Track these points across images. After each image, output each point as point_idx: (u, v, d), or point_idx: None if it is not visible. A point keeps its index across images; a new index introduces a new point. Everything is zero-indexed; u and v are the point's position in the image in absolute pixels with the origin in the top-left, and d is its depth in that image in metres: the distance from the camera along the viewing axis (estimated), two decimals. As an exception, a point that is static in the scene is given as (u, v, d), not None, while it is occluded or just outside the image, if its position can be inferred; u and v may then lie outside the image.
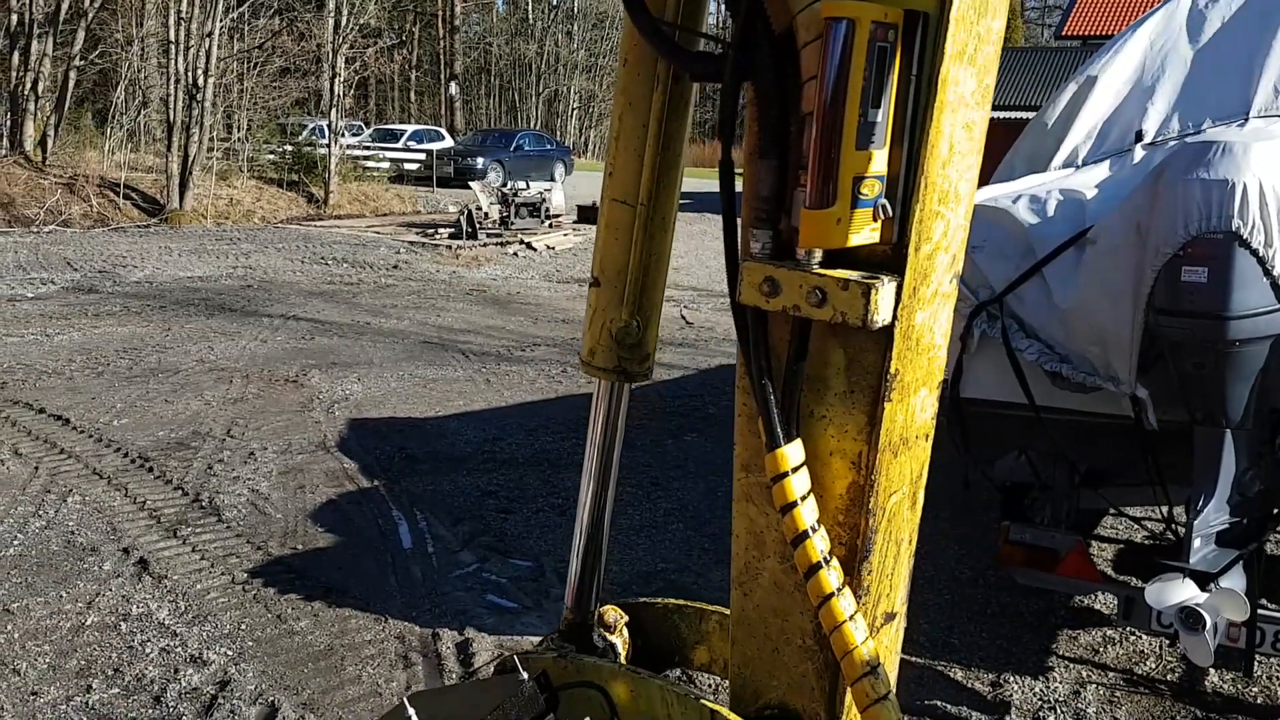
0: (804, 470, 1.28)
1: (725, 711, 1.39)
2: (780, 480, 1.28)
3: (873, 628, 1.32)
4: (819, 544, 1.26)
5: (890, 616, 1.38)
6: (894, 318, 1.21)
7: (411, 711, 1.41)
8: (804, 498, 1.27)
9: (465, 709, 1.40)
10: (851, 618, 1.25)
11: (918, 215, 1.19)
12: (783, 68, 1.21)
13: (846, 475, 1.30)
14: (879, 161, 1.16)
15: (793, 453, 1.28)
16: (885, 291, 1.19)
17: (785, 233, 1.26)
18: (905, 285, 1.21)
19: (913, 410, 1.30)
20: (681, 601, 1.73)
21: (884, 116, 1.15)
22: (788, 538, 1.28)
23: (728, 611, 1.50)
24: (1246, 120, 4.25)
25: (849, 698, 1.31)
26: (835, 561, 1.27)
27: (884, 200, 1.17)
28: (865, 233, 1.18)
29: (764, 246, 1.26)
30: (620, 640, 1.69)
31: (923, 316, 1.26)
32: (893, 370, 1.24)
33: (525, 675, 1.45)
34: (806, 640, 1.35)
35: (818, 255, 1.22)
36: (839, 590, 1.25)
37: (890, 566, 1.35)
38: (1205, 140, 3.69)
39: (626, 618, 1.71)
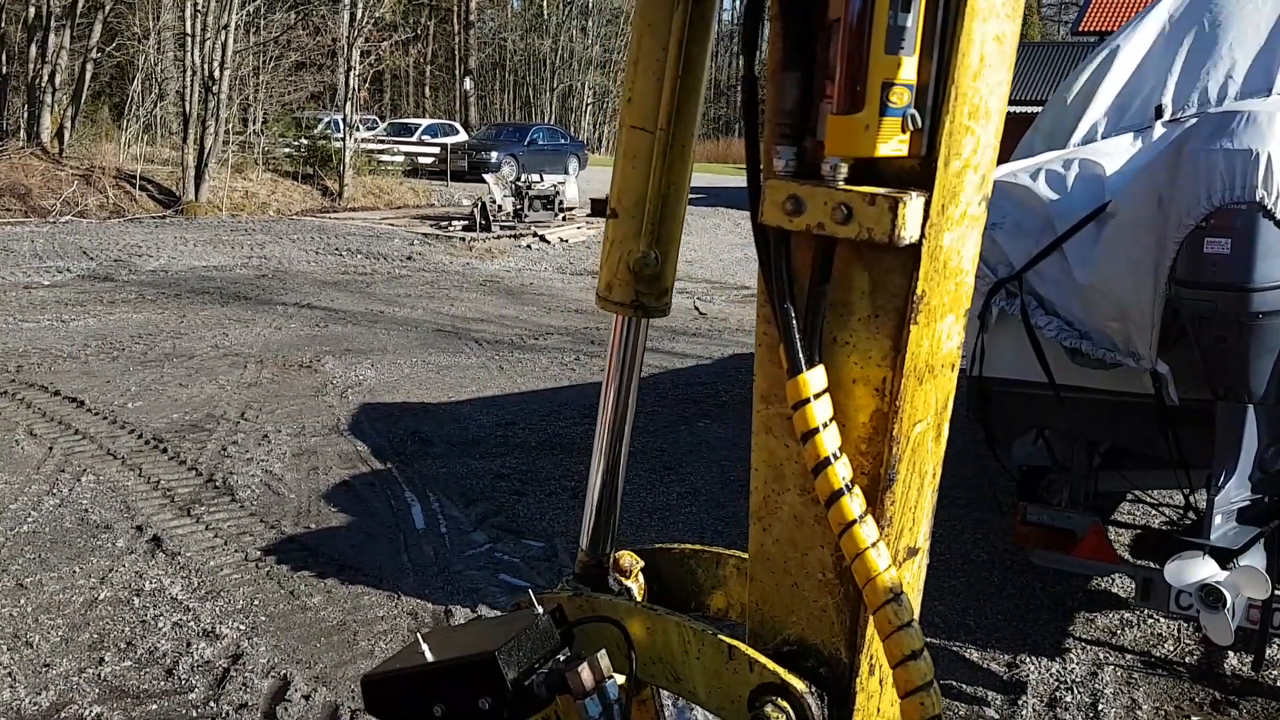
0: (826, 397, 1.25)
1: (743, 646, 1.36)
2: (801, 407, 1.24)
3: (895, 561, 1.29)
4: (841, 471, 1.22)
5: (913, 551, 1.35)
6: (921, 236, 1.18)
7: (425, 647, 1.38)
8: (825, 424, 1.23)
9: (479, 643, 1.38)
10: (874, 545, 1.21)
11: (947, 128, 1.16)
12: None
13: (870, 403, 1.26)
14: (908, 69, 1.13)
15: (814, 379, 1.24)
16: (913, 206, 1.15)
17: (810, 150, 1.22)
18: (934, 202, 1.17)
19: (939, 336, 1.27)
20: (698, 546, 1.69)
21: (913, 22, 1.12)
22: (808, 465, 1.24)
23: (745, 556, 1.47)
24: (1270, 95, 4.19)
25: (870, 630, 1.28)
26: (857, 489, 1.23)
27: (913, 110, 1.14)
28: (893, 143, 1.14)
29: (787, 164, 1.22)
30: (636, 585, 1.66)
31: (950, 238, 1.23)
32: (919, 292, 1.21)
33: (540, 610, 1.43)
34: (827, 574, 1.31)
35: (843, 171, 1.19)
36: (861, 518, 1.21)
37: (914, 499, 1.32)
38: (1228, 110, 3.64)
39: (642, 563, 1.68)
